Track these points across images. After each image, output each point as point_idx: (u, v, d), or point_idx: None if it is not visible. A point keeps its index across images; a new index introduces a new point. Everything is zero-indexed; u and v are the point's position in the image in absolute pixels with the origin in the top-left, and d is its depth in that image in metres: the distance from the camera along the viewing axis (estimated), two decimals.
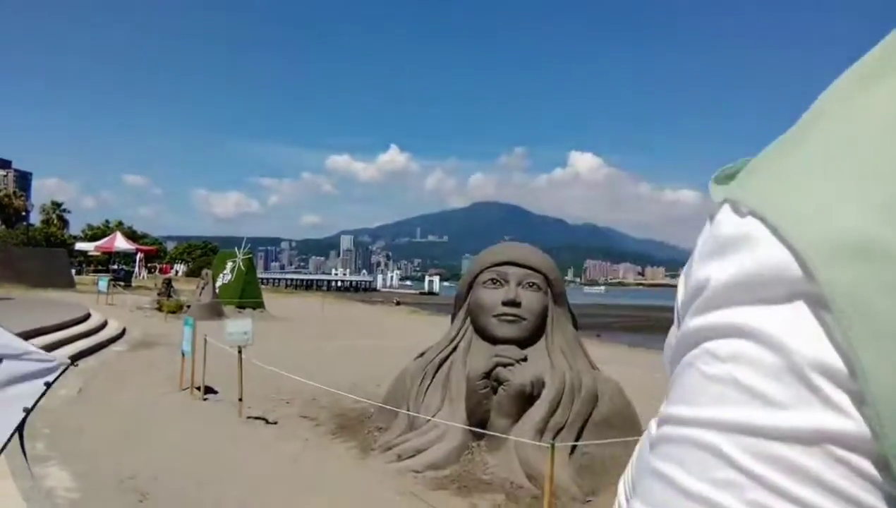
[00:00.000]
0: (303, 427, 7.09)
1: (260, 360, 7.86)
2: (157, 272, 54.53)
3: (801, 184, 0.34)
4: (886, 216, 0.30)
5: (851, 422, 0.30)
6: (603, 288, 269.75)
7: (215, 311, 17.88)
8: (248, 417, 7.30)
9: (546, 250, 7.20)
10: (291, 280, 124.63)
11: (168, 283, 24.06)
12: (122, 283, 31.25)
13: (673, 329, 0.44)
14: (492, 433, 5.61)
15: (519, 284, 6.31)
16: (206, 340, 8.10)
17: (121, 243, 40.80)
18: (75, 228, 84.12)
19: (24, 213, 76.34)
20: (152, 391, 8.56)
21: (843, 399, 0.30)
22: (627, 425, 5.66)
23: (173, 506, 4.75)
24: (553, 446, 4.35)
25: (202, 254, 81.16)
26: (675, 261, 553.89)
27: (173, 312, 18.83)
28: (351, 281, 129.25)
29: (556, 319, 6.35)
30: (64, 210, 79.73)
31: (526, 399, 5.68)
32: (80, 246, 48.44)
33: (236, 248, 24.35)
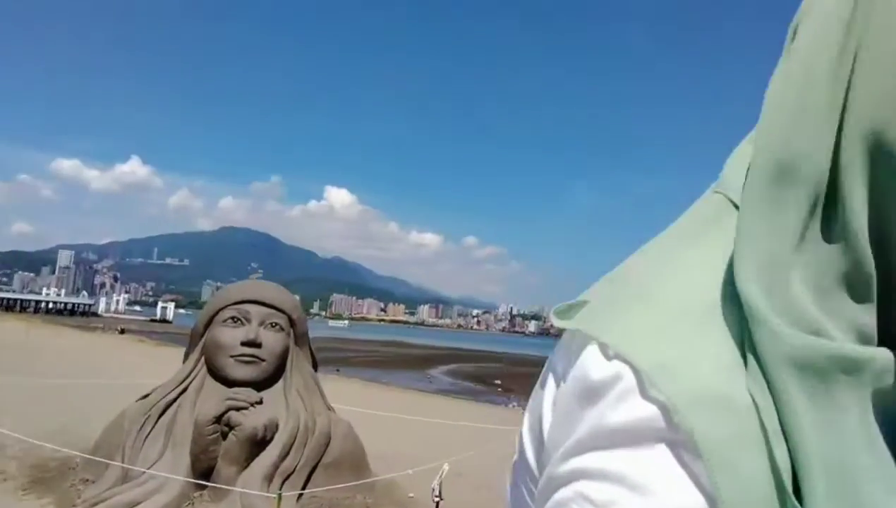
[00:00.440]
0: None
1: None
2: None
3: (658, 336, 0.37)
4: (732, 375, 0.34)
5: None
6: (346, 322, 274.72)
7: None
8: None
9: (294, 281, 7.27)
10: None
11: None
12: None
13: (521, 456, 0.45)
14: (214, 484, 5.34)
15: (262, 324, 6.19)
16: None
17: None
18: None
19: None
20: None
21: None
22: (356, 467, 5.88)
23: None
24: (280, 495, 4.33)
25: None
26: (414, 299, 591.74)
27: None
28: (66, 303, 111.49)
29: (296, 360, 6.34)
30: None
31: (258, 443, 5.53)
32: None
33: None
